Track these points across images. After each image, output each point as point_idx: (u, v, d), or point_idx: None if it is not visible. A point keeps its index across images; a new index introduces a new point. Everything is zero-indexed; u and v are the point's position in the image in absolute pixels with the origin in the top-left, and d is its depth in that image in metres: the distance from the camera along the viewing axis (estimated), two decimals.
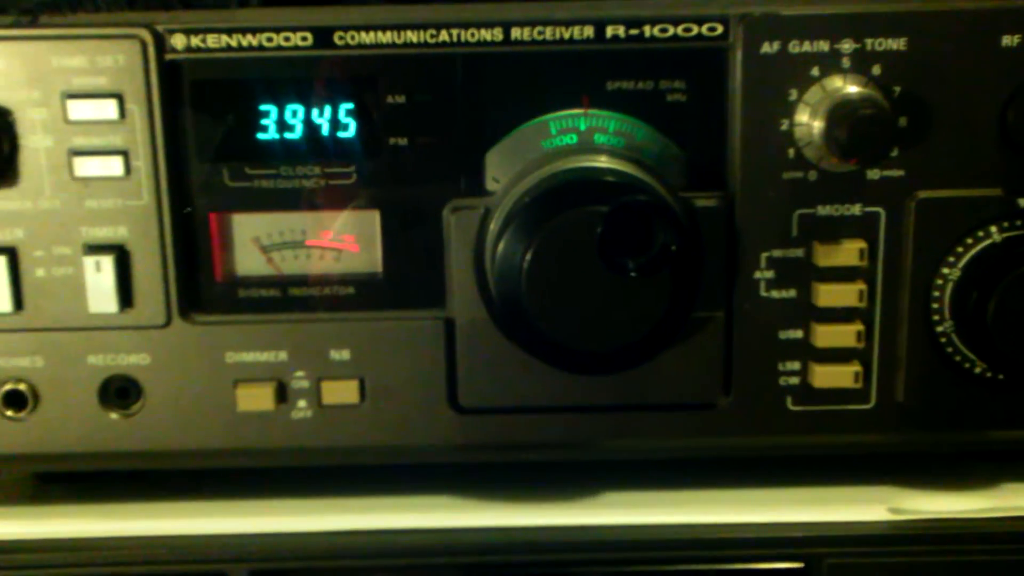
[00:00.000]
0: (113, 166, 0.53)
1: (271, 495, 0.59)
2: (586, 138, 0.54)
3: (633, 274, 0.50)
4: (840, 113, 0.51)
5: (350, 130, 0.54)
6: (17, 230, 0.53)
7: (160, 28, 0.52)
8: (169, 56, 0.52)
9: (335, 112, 0.54)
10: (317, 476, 0.59)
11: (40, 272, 0.54)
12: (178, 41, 0.52)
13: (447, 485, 0.59)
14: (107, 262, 0.53)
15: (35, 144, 0.52)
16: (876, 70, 0.52)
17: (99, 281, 0.53)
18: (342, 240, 0.55)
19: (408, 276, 0.55)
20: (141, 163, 0.53)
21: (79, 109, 0.52)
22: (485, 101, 0.53)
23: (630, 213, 0.49)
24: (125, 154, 0.53)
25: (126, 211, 0.53)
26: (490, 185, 0.54)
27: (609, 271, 0.49)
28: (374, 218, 0.55)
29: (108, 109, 0.52)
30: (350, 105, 0.54)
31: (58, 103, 0.52)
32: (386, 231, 0.55)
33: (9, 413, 0.55)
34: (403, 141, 0.54)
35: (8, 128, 0.52)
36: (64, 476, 0.61)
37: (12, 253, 0.53)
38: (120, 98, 0.52)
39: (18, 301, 0.54)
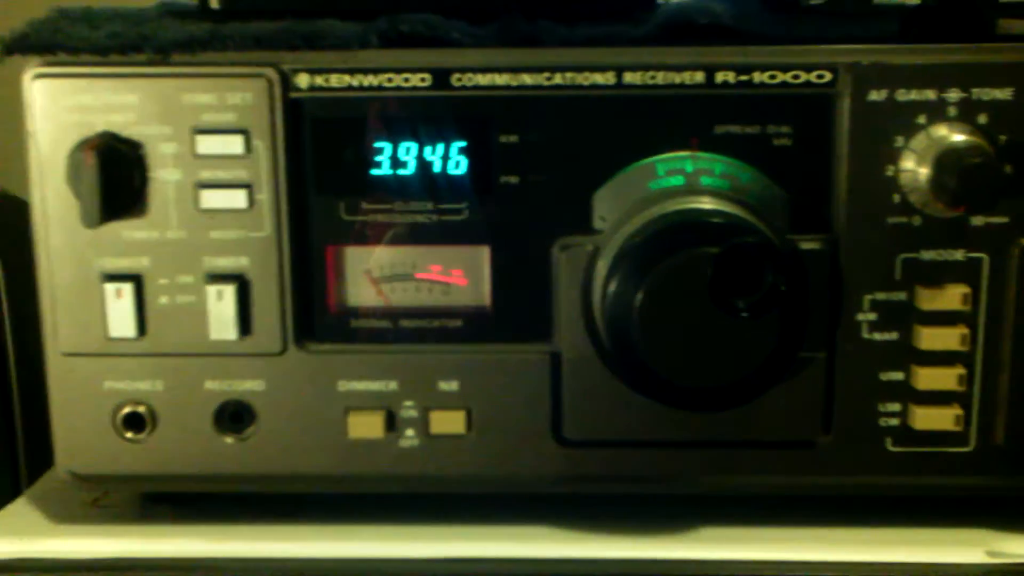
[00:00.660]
0: (237, 199, 0.55)
1: (374, 521, 0.60)
2: (692, 180, 0.55)
3: (744, 314, 0.51)
4: (948, 161, 0.51)
5: (462, 167, 0.55)
6: (143, 259, 0.55)
7: (286, 67, 0.54)
8: (293, 94, 0.54)
9: (448, 150, 0.55)
10: (420, 503, 0.60)
11: (164, 299, 0.56)
12: (302, 80, 0.54)
13: (545, 515, 0.60)
14: (228, 291, 0.55)
15: (164, 177, 0.54)
16: (982, 119, 0.53)
17: (220, 309, 0.55)
18: (451, 274, 0.57)
19: (516, 310, 0.56)
20: (264, 196, 0.55)
21: (207, 144, 0.54)
22: (595, 142, 0.55)
23: (741, 254, 0.51)
24: (249, 187, 0.55)
25: (248, 242, 0.55)
26: (597, 224, 0.55)
27: (719, 311, 0.51)
28: (484, 253, 0.56)
29: (234, 144, 0.54)
30: (463, 143, 0.55)
31: (187, 138, 0.54)
32: (495, 266, 0.56)
33: (128, 435, 0.57)
34: (514, 179, 0.55)
35: (140, 161, 0.54)
36: (171, 497, 0.62)
37: (138, 280, 0.55)
38: (246, 134, 0.54)
39: (142, 327, 0.56)
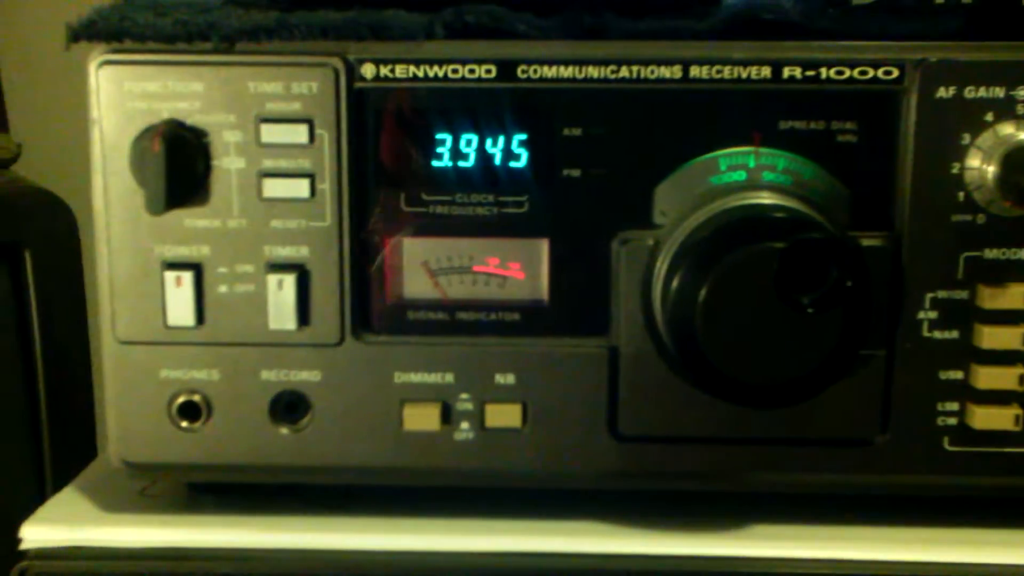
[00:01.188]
0: (300, 188, 0.54)
1: (424, 514, 0.60)
2: (755, 175, 0.55)
3: (809, 310, 0.50)
4: (1016, 159, 0.51)
5: (523, 160, 0.55)
6: (204, 247, 0.55)
7: (351, 57, 0.54)
8: (358, 84, 0.54)
9: (509, 142, 0.55)
10: (473, 496, 0.60)
11: (223, 288, 0.56)
12: (368, 70, 0.54)
13: (599, 511, 0.60)
14: (289, 280, 0.55)
15: (227, 165, 0.54)
16: None
17: (280, 299, 0.55)
18: (508, 267, 0.57)
19: (574, 304, 0.56)
20: (326, 186, 0.55)
21: (271, 132, 0.54)
22: (658, 136, 0.55)
23: (806, 250, 0.50)
24: (312, 177, 0.55)
25: (309, 232, 0.55)
26: (658, 219, 0.55)
27: (785, 307, 0.50)
28: (542, 247, 0.56)
29: (299, 133, 0.54)
30: (525, 136, 0.55)
31: (252, 126, 0.54)
32: (554, 260, 0.56)
33: (184, 424, 0.57)
34: (575, 173, 0.55)
35: (204, 149, 0.54)
36: (217, 487, 0.62)
37: (198, 269, 0.55)
38: (311, 123, 0.54)
39: (200, 315, 0.56)
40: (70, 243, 0.81)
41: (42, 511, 0.60)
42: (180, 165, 0.53)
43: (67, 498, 0.62)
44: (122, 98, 0.54)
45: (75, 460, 0.68)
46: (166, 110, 0.54)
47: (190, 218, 0.55)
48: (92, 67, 0.54)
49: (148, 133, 0.53)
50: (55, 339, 0.79)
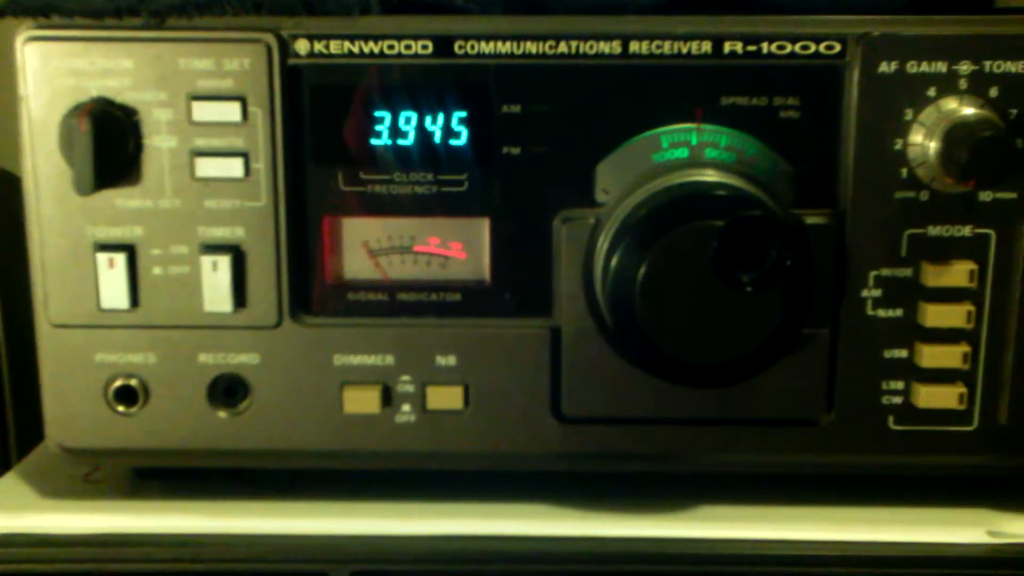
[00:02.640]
0: (234, 167, 0.54)
1: (370, 497, 0.59)
2: (697, 152, 0.54)
3: (748, 288, 0.50)
4: (959, 135, 0.51)
5: (462, 138, 0.54)
6: (137, 228, 0.54)
7: (284, 33, 0.53)
8: (292, 61, 0.53)
9: (448, 119, 0.54)
10: (417, 479, 0.60)
11: (157, 270, 0.55)
12: (301, 46, 0.53)
13: (546, 493, 0.59)
14: (224, 262, 0.54)
15: (159, 144, 0.53)
16: (993, 92, 0.52)
17: (215, 280, 0.54)
18: (449, 247, 0.56)
19: (515, 284, 0.56)
20: (261, 165, 0.54)
21: (203, 111, 0.53)
22: (599, 113, 0.54)
23: (745, 228, 0.50)
24: (245, 156, 0.54)
25: (244, 212, 0.54)
26: (599, 197, 0.54)
27: (724, 285, 0.50)
28: (483, 226, 0.55)
29: (231, 111, 0.53)
30: (463, 113, 0.54)
31: (183, 104, 0.53)
32: (495, 239, 0.55)
33: (120, 408, 0.56)
34: (516, 151, 0.54)
35: (134, 127, 0.53)
36: (162, 472, 0.61)
37: (131, 250, 0.54)
38: (243, 101, 0.53)
39: (134, 298, 0.55)
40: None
41: None
42: (109, 144, 0.52)
43: (8, 484, 0.62)
44: (50, 75, 0.53)
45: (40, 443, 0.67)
46: (95, 87, 0.53)
47: (122, 198, 0.54)
48: (18, 43, 0.53)
49: (76, 111, 0.52)
50: (16, 317, 0.78)
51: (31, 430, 0.73)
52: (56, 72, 0.53)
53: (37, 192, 0.54)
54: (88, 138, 0.51)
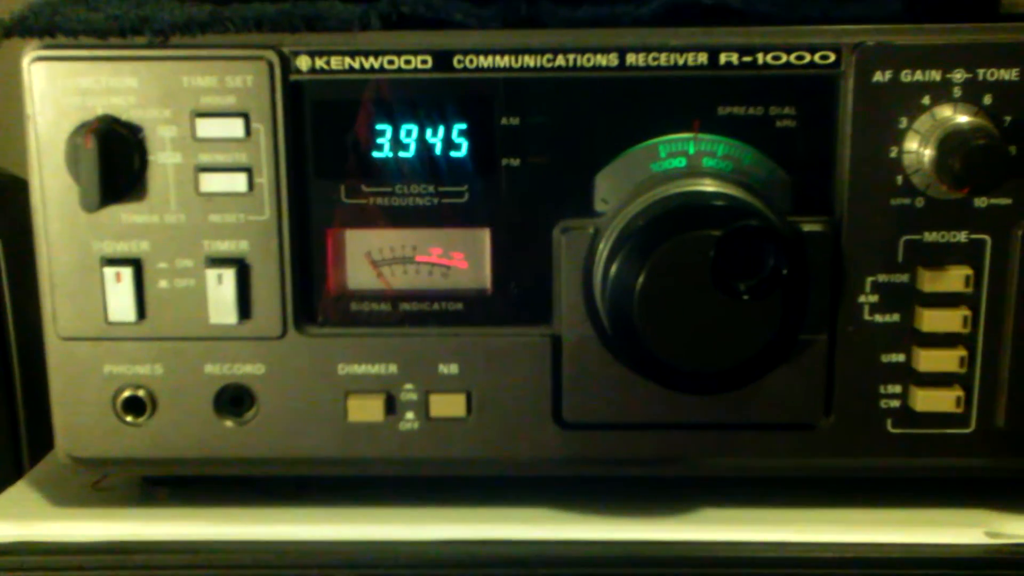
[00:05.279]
0: (237, 182, 0.54)
1: (375, 503, 0.60)
2: (695, 162, 0.55)
3: (745, 297, 0.50)
4: (953, 142, 0.51)
5: (463, 150, 0.55)
6: (143, 243, 0.55)
7: (286, 50, 0.54)
8: (294, 77, 0.54)
9: (449, 132, 0.55)
10: (420, 486, 0.60)
11: (163, 283, 0.55)
12: (303, 63, 0.54)
13: (548, 498, 0.60)
14: (228, 275, 0.55)
15: (164, 160, 0.54)
16: (987, 100, 0.53)
17: (220, 293, 0.55)
18: (451, 257, 0.57)
19: (516, 293, 0.56)
20: (264, 180, 0.54)
21: (207, 127, 0.54)
22: (597, 124, 0.55)
23: (742, 237, 0.50)
24: (249, 171, 0.54)
25: (248, 226, 0.55)
26: (599, 206, 0.55)
27: (721, 294, 0.50)
28: (484, 236, 0.56)
29: (234, 127, 0.54)
30: (463, 126, 0.55)
31: (187, 121, 0.54)
32: (496, 249, 0.56)
33: (128, 419, 0.57)
34: (515, 162, 0.55)
35: (139, 144, 0.54)
36: (171, 480, 0.62)
37: (137, 264, 0.55)
38: (246, 117, 0.54)
39: (141, 311, 0.56)
40: None
41: None
42: (114, 161, 0.53)
43: (19, 493, 0.62)
44: (56, 94, 0.53)
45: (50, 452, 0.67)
46: (100, 106, 0.53)
47: (128, 214, 0.55)
48: (25, 63, 0.53)
49: (82, 129, 0.53)
50: (29, 328, 0.79)
51: (41, 440, 0.74)
52: (62, 91, 0.53)
53: (45, 208, 0.55)
54: (94, 155, 0.52)
